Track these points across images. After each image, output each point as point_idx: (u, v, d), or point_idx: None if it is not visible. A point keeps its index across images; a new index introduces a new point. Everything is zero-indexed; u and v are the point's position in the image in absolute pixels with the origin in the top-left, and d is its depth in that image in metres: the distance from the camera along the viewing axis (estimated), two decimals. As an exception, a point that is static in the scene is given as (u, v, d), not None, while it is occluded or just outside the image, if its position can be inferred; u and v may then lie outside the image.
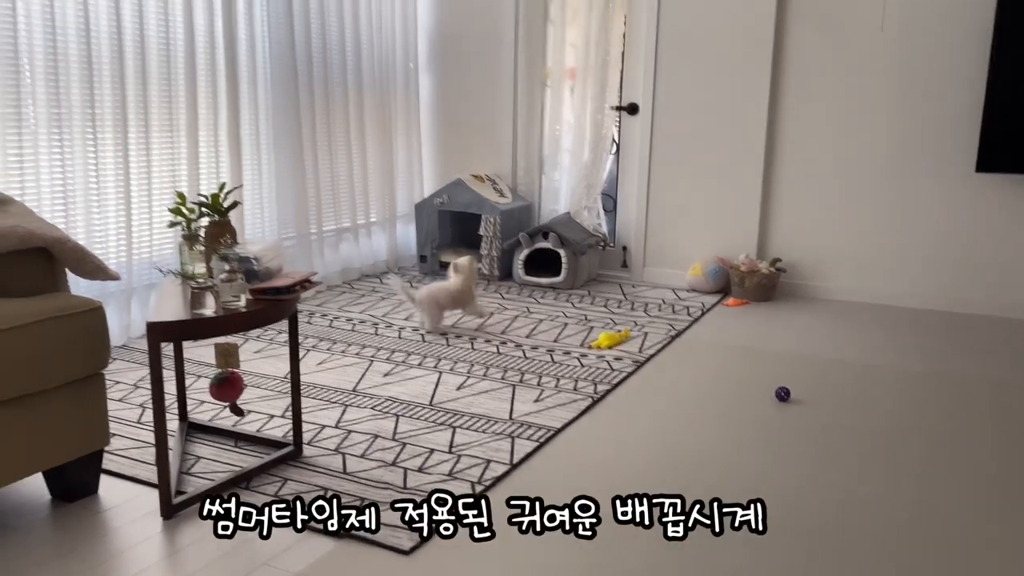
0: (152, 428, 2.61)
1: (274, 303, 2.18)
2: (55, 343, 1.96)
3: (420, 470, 2.34)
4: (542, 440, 2.54)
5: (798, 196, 4.38)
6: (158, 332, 1.99)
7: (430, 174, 5.29)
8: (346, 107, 4.56)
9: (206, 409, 2.79)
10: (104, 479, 2.27)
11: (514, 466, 2.37)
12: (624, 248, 4.88)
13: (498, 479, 2.29)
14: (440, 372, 3.17)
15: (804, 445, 2.54)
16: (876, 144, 4.16)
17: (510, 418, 2.72)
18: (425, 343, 3.55)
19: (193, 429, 2.61)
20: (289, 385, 3.00)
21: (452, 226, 5.02)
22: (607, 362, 3.30)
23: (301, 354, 3.38)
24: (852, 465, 2.40)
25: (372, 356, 3.37)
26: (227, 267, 2.12)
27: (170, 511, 2.08)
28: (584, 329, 3.77)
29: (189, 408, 2.77)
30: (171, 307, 2.10)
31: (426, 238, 4.90)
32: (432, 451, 2.47)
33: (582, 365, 3.26)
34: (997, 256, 4.01)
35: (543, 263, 4.62)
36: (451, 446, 2.50)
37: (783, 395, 2.91)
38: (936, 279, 4.14)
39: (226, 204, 2.44)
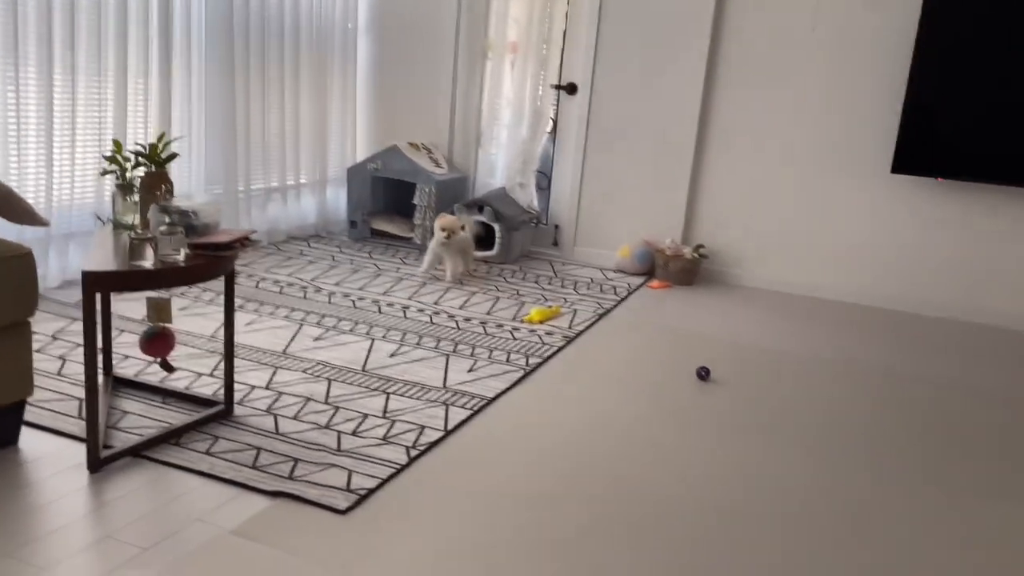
0: (74, 381, 2.52)
1: (214, 259, 2.15)
2: (-19, 287, 1.88)
3: (354, 433, 2.35)
4: (476, 408, 2.59)
5: (724, 186, 4.53)
6: (94, 281, 1.93)
7: (364, 139, 5.22)
8: (281, 64, 4.45)
9: (131, 364, 2.72)
10: (24, 431, 2.20)
11: (448, 432, 2.41)
12: (556, 226, 4.95)
13: (433, 444, 2.33)
14: (372, 339, 3.17)
15: (721, 422, 2.66)
16: (802, 141, 4.33)
17: (444, 386, 2.75)
18: (356, 309, 3.53)
19: (118, 384, 2.54)
20: (219, 344, 2.95)
21: (385, 193, 4.97)
22: (539, 336, 3.36)
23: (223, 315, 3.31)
24: (764, 443, 2.53)
25: (302, 320, 3.34)
26: (167, 220, 2.07)
27: (97, 464, 2.03)
28: (516, 304, 3.82)
29: (114, 362, 2.70)
30: (104, 257, 2.04)
31: (357, 204, 4.85)
32: (366, 416, 2.48)
33: (514, 338, 3.31)
34: (907, 253, 4.25)
35: (477, 237, 4.63)
36: (385, 411, 2.52)
37: (703, 375, 3.03)
38: (849, 273, 4.37)
39: (164, 155, 2.38)
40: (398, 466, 2.17)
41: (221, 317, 3.26)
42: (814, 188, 4.36)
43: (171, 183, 2.37)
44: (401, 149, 4.71)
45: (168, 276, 2.02)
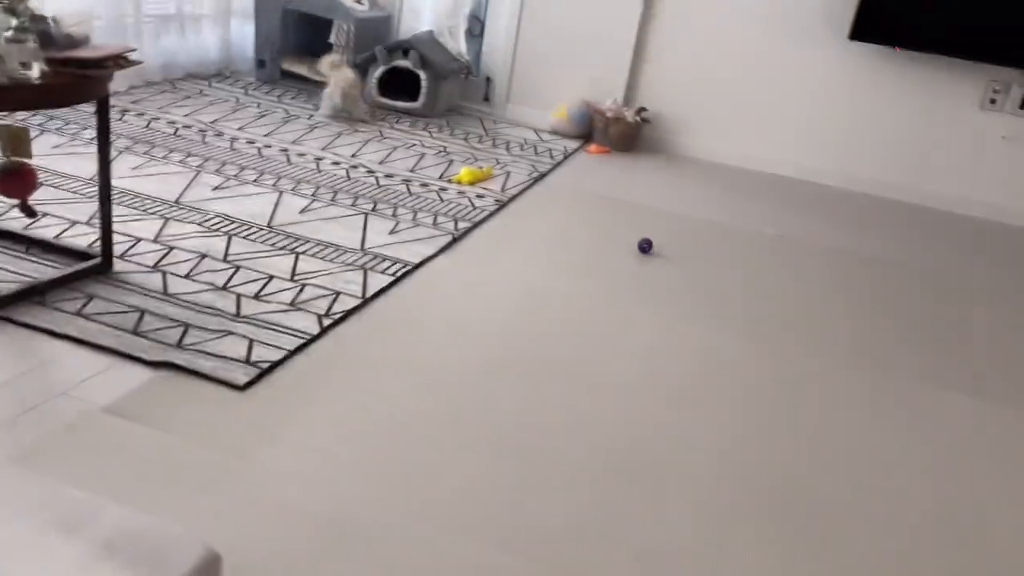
0: (-87, 224, 2.11)
1: (79, 78, 1.74)
2: None
3: (257, 297, 2.05)
4: (398, 274, 2.30)
5: (672, 47, 4.19)
6: (-87, 96, 1.51)
7: (275, -33, 4.59)
8: None
9: (-13, 207, 2.30)
10: None
11: (366, 300, 2.13)
12: (488, 79, 4.53)
13: (349, 312, 2.05)
14: (280, 191, 2.81)
15: (662, 298, 2.46)
16: (755, 4, 4.01)
17: (362, 248, 2.44)
18: (262, 158, 3.13)
19: (-31, 229, 2.13)
20: (96, 188, 2.53)
21: (298, 30, 4.42)
22: (468, 199, 3.06)
23: (112, 155, 2.87)
24: (706, 321, 2.35)
25: (199, 167, 2.93)
26: (14, 23, 1.63)
27: (-65, 325, 1.68)
28: (443, 162, 3.48)
29: (-36, 204, 2.27)
30: (-67, 66, 1.61)
31: (266, 41, 4.31)
32: (271, 277, 2.17)
33: (441, 200, 3.00)
34: (860, 128, 4.06)
35: (399, 85, 4.20)
36: (294, 273, 2.21)
37: (645, 247, 2.82)
38: (798, 147, 4.17)
39: (14, -56, 1.89)
40: (307, 336, 1.89)
41: (103, 158, 2.82)
42: (768, 54, 4.07)
43: (24, -17, 1.90)
44: (317, -20, 4.16)
45: (16, 95, 1.61)
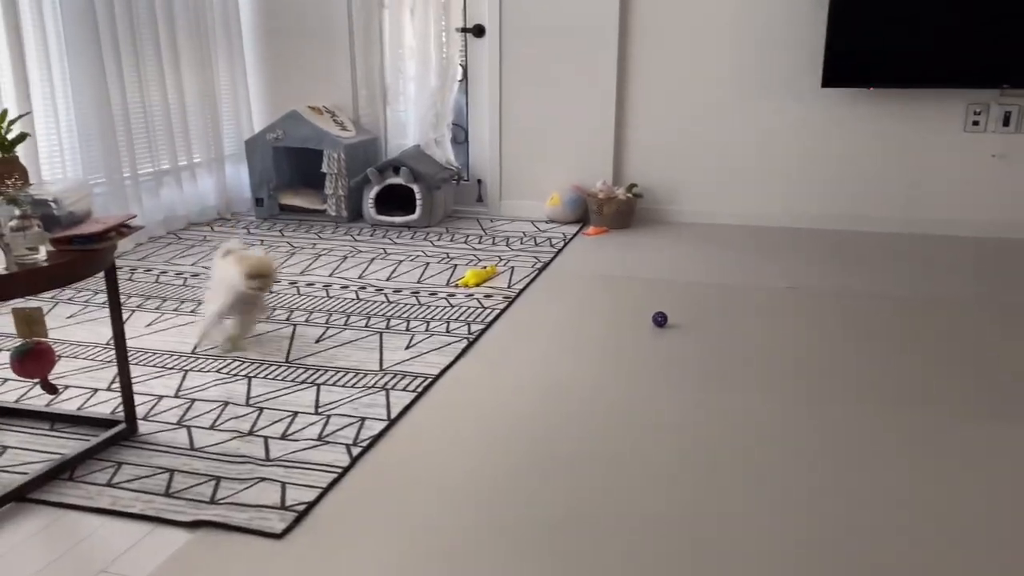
0: (-61, 418, 2.13)
1: (84, 254, 1.78)
2: None
3: (284, 437, 2.04)
4: (420, 389, 2.29)
5: (651, 120, 4.29)
6: (-72, 298, 1.55)
7: (260, 108, 4.77)
8: (155, 33, 3.97)
9: (10, 388, 2.32)
10: None
11: (393, 421, 2.12)
12: (479, 181, 4.63)
13: (377, 437, 2.03)
14: (293, 324, 2.83)
15: (687, 369, 2.44)
16: (726, 65, 4.12)
17: (381, 368, 2.45)
18: (272, 294, 3.17)
19: (-6, 414, 2.15)
20: (113, 352, 2.56)
21: (290, 164, 4.56)
22: (477, 300, 3.07)
23: (125, 315, 2.93)
24: (734, 384, 2.32)
25: (212, 312, 2.96)
26: (18, 212, 1.69)
27: (-31, 519, 1.67)
28: (447, 268, 3.52)
29: (-13, 389, 2.30)
30: (-55, 266, 1.66)
31: (261, 179, 4.44)
32: (296, 414, 2.16)
33: (451, 305, 3.02)
34: (846, 169, 4.10)
35: (395, 201, 4.29)
36: (317, 406, 2.20)
37: (660, 320, 2.81)
38: (788, 197, 4.21)
39: (10, 136, 1.98)
40: (339, 469, 1.87)
41: (117, 320, 2.87)
42: (744, 112, 4.16)
43: (24, 170, 1.98)
44: (302, 114, 4.31)
45: (27, 281, 1.65)
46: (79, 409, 2.19)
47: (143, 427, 2.09)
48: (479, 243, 3.93)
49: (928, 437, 2.01)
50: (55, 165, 3.52)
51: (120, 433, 2.03)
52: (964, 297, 3.07)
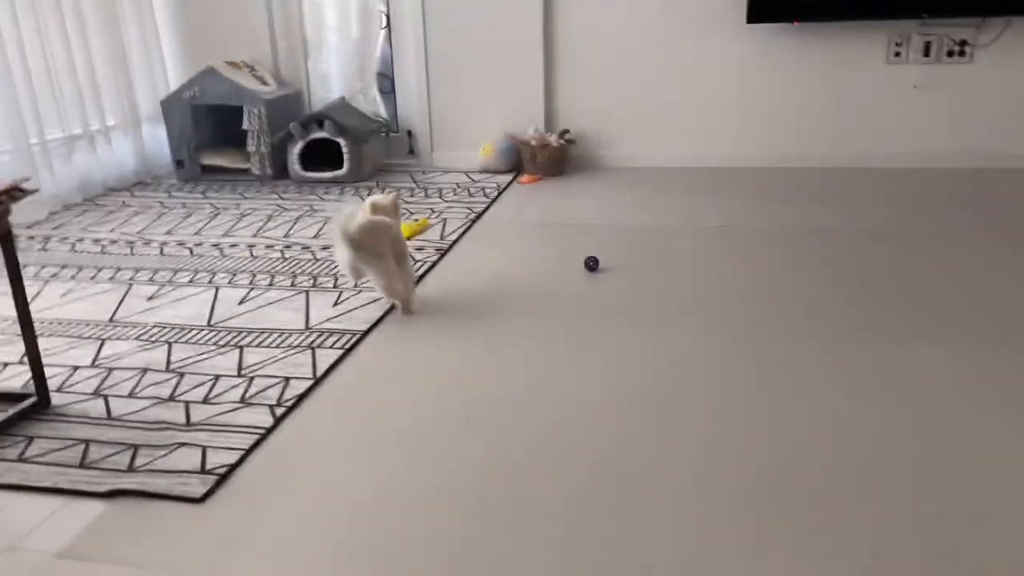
0: None
1: (-28, 220, 1.68)
2: None
3: (206, 401, 1.98)
4: (347, 346, 2.25)
5: (580, 64, 4.23)
6: None
7: (176, 65, 4.56)
8: (55, -11, 3.75)
9: (-88, 368, 2.21)
10: None
11: (318, 379, 2.07)
12: (409, 133, 4.53)
13: (301, 396, 1.98)
14: (216, 287, 2.74)
15: (620, 312, 2.44)
16: (651, 4, 4.06)
17: (307, 327, 2.39)
18: (193, 256, 3.07)
19: None
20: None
21: (210, 123, 4.38)
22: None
23: (38, 288, 2.80)
24: (668, 325, 2.33)
25: (130, 279, 2.86)
26: None
27: None
28: (376, 222, 3.44)
29: None
30: None
31: (180, 139, 4.26)
32: (218, 377, 2.10)
33: (380, 260, 2.95)
34: (774, 107, 4.11)
35: (321, 156, 4.17)
36: (240, 368, 2.14)
37: (592, 265, 2.79)
38: (719, 136, 4.20)
39: None
40: (262, 430, 1.83)
41: (30, 292, 2.73)
42: (671, 52, 4.12)
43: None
44: (218, 70, 4.13)
45: (-95, 251, 1.55)
46: (-13, 384, 2.09)
47: (57, 399, 2.01)
48: (411, 196, 3.85)
49: (854, 362, 2.05)
50: (-47, 132, 3.32)
51: (32, 406, 1.94)
52: (897, 227, 3.12)
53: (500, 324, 2.38)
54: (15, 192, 1.82)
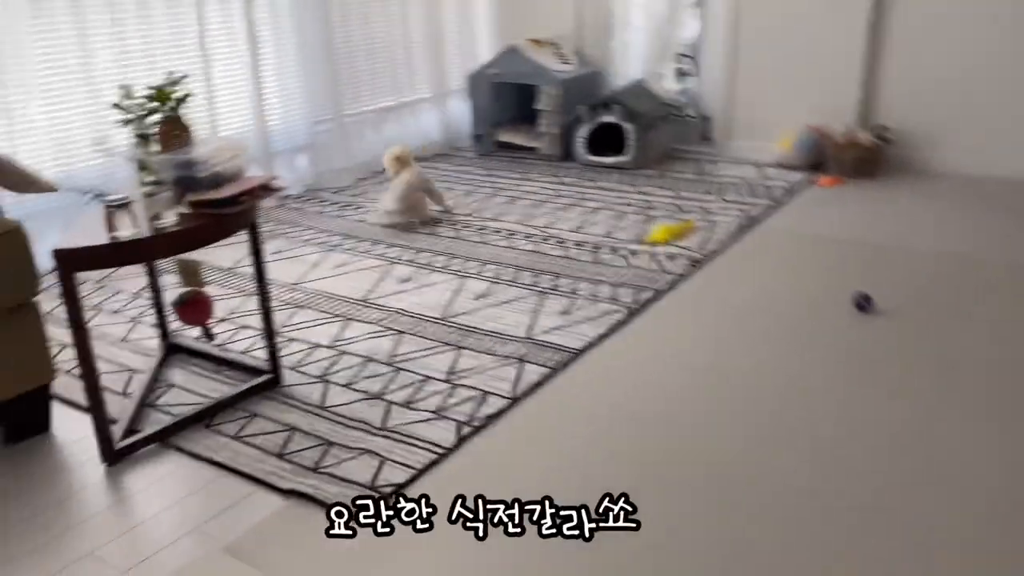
0: (136, 349, 2.38)
1: (216, 218, 1.84)
2: (-45, 275, 1.71)
3: (407, 405, 2.01)
4: (554, 366, 2.15)
5: (913, 51, 3.59)
6: (66, 261, 1.69)
7: (488, 42, 4.71)
8: (382, -33, 4.04)
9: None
10: (66, 412, 2.07)
11: (514, 401, 2.00)
12: (706, 118, 4.24)
13: (490, 418, 1.93)
14: (463, 278, 2.79)
15: (883, 373, 2.03)
16: (1021, -24, 3.30)
17: (526, 336, 2.33)
18: (456, 240, 3.15)
19: (174, 352, 2.35)
20: (300, 294, 2.70)
21: (509, 101, 4.47)
22: (658, 261, 2.82)
23: (316, 256, 3.07)
24: (935, 401, 1.89)
25: (395, 258, 3.02)
26: (148, 177, 1.78)
27: (113, 456, 1.84)
28: (643, 219, 3.27)
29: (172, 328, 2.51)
30: (88, 230, 1.79)
31: (481, 114, 4.42)
32: (427, 379, 2.13)
33: (629, 266, 2.80)
34: None
35: (610, 140, 4.06)
36: (449, 373, 2.15)
37: (863, 304, 2.37)
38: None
39: (176, 95, 2.08)
40: (441, 451, 1.81)
41: (313, 259, 3.03)
42: (1039, 38, 3.33)
43: (187, 128, 2.08)
44: (520, 49, 4.18)
45: (148, 247, 1.74)
46: (244, 351, 2.33)
47: (290, 377, 2.18)
48: (687, 190, 3.60)
49: None
50: (278, 103, 3.73)
51: (267, 382, 2.13)
52: None
53: (729, 361, 2.11)
54: (263, 190, 1.97)
